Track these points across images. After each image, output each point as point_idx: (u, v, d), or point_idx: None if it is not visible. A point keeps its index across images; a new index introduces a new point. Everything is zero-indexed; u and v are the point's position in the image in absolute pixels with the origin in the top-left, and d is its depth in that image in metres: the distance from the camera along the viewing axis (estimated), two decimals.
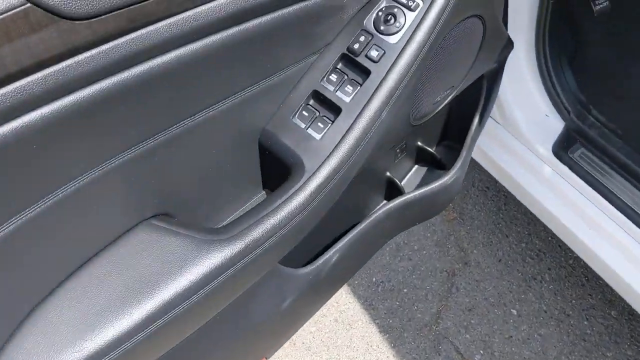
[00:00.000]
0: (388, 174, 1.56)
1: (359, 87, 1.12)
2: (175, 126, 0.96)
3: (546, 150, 1.80)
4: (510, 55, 1.60)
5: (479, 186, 2.37)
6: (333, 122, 1.12)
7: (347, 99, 1.12)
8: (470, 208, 2.30)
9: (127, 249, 0.97)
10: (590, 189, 1.69)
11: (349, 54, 1.14)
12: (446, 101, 1.40)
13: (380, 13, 1.14)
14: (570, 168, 1.74)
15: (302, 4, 1.04)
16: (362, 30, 1.14)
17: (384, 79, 1.12)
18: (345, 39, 1.15)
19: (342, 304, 2.10)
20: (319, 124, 1.12)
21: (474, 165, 2.09)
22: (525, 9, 1.61)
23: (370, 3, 1.16)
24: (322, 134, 1.11)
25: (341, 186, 1.15)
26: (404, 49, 1.12)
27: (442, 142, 1.72)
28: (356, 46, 1.14)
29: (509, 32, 1.54)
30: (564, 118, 1.80)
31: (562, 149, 1.79)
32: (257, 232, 1.01)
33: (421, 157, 1.65)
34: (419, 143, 1.62)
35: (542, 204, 1.80)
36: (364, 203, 1.56)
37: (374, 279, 2.16)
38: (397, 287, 2.13)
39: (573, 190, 1.75)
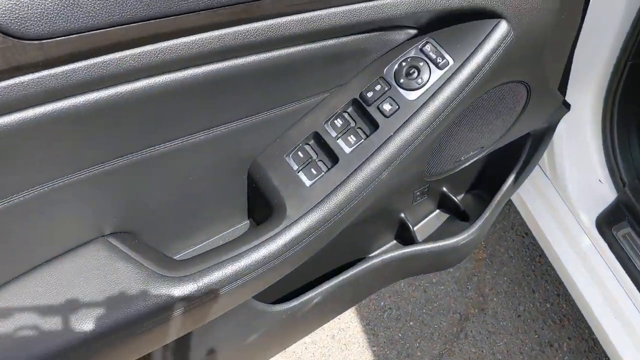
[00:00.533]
0: (402, 215, 1.46)
1: (362, 140, 1.02)
2: (147, 149, 0.90)
3: (589, 220, 1.64)
4: (573, 112, 1.44)
5: (517, 230, 2.20)
6: (327, 171, 1.03)
7: (348, 150, 1.02)
8: (502, 251, 2.16)
9: (73, 264, 0.93)
10: (625, 275, 1.52)
11: (361, 101, 1.04)
12: (473, 160, 1.26)
13: (403, 63, 1.02)
14: (610, 246, 1.57)
15: (325, 42, 0.95)
16: (380, 78, 1.03)
17: (391, 137, 1.01)
18: (361, 84, 1.04)
19: (343, 321, 2.03)
20: (312, 169, 1.03)
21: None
22: (598, 66, 1.43)
23: (395, 50, 1.04)
24: (312, 181, 1.02)
25: (325, 239, 1.06)
26: (421, 108, 1.01)
27: (472, 190, 1.59)
28: (370, 94, 1.03)
29: (573, 87, 1.37)
30: (617, 189, 1.62)
31: (607, 223, 1.61)
32: (213, 277, 0.95)
33: (443, 204, 1.53)
34: (444, 189, 1.49)
35: (571, 275, 1.65)
36: (370, 240, 1.47)
37: (382, 304, 2.07)
38: (404, 317, 2.04)
39: (607, 271, 1.58)
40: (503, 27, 1.02)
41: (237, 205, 1.14)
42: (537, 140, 1.42)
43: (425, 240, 1.48)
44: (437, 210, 1.55)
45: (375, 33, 0.99)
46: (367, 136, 1.03)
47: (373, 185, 1.04)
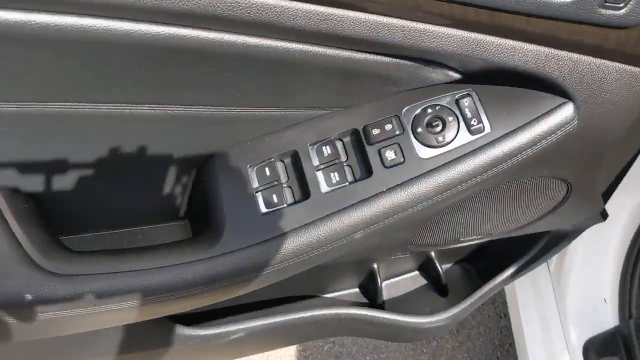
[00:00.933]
0: (374, 266, 1.23)
1: (346, 184, 0.80)
2: (88, 104, 0.70)
3: (578, 340, 1.42)
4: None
5: (498, 308, 1.98)
6: (291, 204, 0.80)
7: (325, 188, 0.80)
8: (473, 324, 1.94)
9: None
10: None
11: (362, 135, 0.81)
12: (472, 243, 1.04)
13: (429, 110, 0.79)
14: None
15: (344, 52, 0.74)
16: (394, 116, 0.81)
17: (382, 194, 0.79)
18: (369, 114, 0.82)
19: None
20: (274, 195, 0.81)
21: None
22: None
23: (425, 90, 0.81)
24: (269, 210, 0.80)
25: (262, 282, 0.85)
26: (430, 173, 0.78)
27: (462, 263, 1.36)
28: (375, 131, 0.80)
29: (614, 195, 1.14)
30: (621, 318, 1.39)
31: (596, 351, 1.40)
32: (100, 285, 0.74)
33: (425, 268, 1.31)
34: (432, 254, 1.27)
35: None
36: (329, 281, 1.25)
37: None
38: (344, 357, 1.83)
39: None
40: (568, 110, 0.78)
41: (177, 199, 0.91)
42: (555, 239, 1.18)
43: (389, 305, 1.26)
44: (416, 272, 1.33)
45: (408, 62, 0.76)
46: (354, 181, 0.81)
47: (341, 243, 0.81)
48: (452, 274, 1.35)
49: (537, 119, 0.79)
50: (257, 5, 0.64)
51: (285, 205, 0.81)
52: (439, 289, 1.31)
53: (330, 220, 0.80)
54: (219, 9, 0.63)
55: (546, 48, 0.74)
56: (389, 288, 1.32)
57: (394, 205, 0.80)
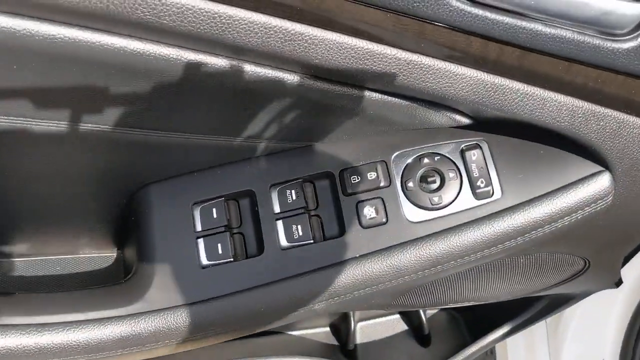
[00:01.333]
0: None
1: (310, 242, 0.62)
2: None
3: None
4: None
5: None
6: (239, 260, 0.63)
7: (283, 243, 0.63)
8: None
9: None
10: None
11: (337, 181, 0.63)
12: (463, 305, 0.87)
13: (426, 159, 0.62)
14: None
15: (323, 84, 0.55)
16: (380, 162, 0.63)
17: (352, 261, 0.61)
18: (350, 155, 0.64)
19: None
20: (220, 245, 0.64)
21: None
22: None
23: (424, 133, 0.63)
24: (210, 263, 0.63)
25: (197, 343, 0.68)
26: (416, 242, 0.61)
27: (449, 310, 1.19)
28: (355, 179, 0.63)
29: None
30: None
31: None
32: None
33: (406, 312, 1.13)
34: None
35: None
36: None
37: None
38: None
39: None
40: (603, 182, 0.60)
41: (102, 227, 0.74)
42: (558, 301, 1.01)
43: (361, 351, 1.09)
44: (396, 315, 1.16)
45: (404, 102, 0.58)
46: (322, 239, 0.63)
47: (295, 313, 0.64)
48: (437, 322, 1.18)
49: (563, 189, 0.61)
50: (196, 13, 0.46)
51: (231, 259, 0.63)
52: (420, 338, 1.14)
53: (285, 286, 0.63)
54: (144, 13, 0.45)
55: (586, 103, 0.56)
56: (364, 331, 1.16)
57: (367, 277, 0.62)
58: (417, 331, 1.13)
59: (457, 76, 0.53)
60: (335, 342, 1.13)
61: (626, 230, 0.70)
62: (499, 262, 0.70)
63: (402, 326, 1.16)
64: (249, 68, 0.52)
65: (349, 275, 0.62)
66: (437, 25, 0.48)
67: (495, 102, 0.55)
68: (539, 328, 1.32)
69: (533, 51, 0.51)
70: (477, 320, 1.12)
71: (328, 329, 1.14)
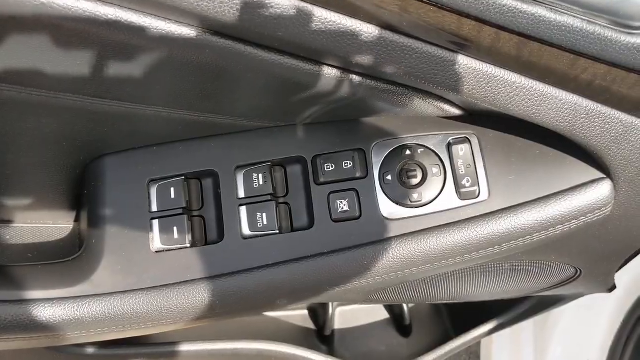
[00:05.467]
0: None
1: (275, 232, 0.56)
2: None
3: None
4: None
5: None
6: (194, 246, 0.57)
7: (246, 231, 0.57)
8: None
9: None
10: None
11: (309, 168, 0.57)
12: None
13: (407, 151, 0.55)
14: None
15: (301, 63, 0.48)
16: (358, 150, 0.56)
17: (318, 257, 0.56)
18: (326, 139, 0.58)
19: None
20: (176, 228, 0.58)
21: None
22: None
23: (408, 123, 0.56)
24: (164, 248, 0.57)
25: (140, 333, 0.63)
26: (390, 242, 0.55)
27: (436, 305, 1.14)
28: (329, 167, 0.57)
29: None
30: None
31: None
32: None
33: (389, 306, 1.09)
34: None
35: None
36: None
37: None
38: None
39: None
40: (603, 190, 0.54)
41: (64, 198, 0.68)
42: (547, 301, 0.96)
43: (339, 337, 1.04)
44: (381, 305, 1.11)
45: (385, 85, 0.51)
46: (289, 231, 0.57)
47: (255, 306, 0.59)
48: (420, 312, 1.13)
49: (557, 195, 0.54)
50: None
51: (187, 244, 0.58)
52: (401, 328, 1.09)
53: (244, 278, 0.57)
54: None
55: (592, 102, 0.49)
56: (343, 316, 1.11)
57: (334, 275, 0.57)
58: (398, 320, 1.08)
59: (444, 62, 0.46)
60: (312, 327, 1.08)
61: (624, 242, 0.64)
62: (480, 266, 0.64)
63: (384, 314, 1.11)
64: (214, 40, 0.45)
65: (314, 272, 0.57)
66: (422, 1, 0.40)
67: (487, 94, 0.48)
68: (526, 326, 1.27)
69: (533, 39, 0.44)
70: (462, 315, 1.07)
71: (306, 312, 1.09)
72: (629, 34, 0.44)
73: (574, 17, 0.43)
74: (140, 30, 0.43)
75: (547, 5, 0.42)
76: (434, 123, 0.57)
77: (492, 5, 0.41)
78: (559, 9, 0.42)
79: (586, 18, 0.43)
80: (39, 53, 0.46)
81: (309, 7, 0.43)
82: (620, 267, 0.80)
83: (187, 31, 0.44)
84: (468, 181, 0.55)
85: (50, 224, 0.71)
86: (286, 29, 0.43)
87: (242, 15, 0.42)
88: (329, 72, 0.49)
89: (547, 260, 0.65)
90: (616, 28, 0.44)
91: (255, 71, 0.48)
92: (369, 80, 0.51)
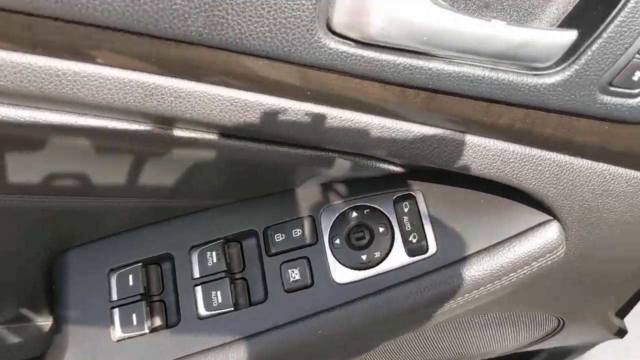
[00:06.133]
0: None
1: (230, 309, 0.56)
2: None
3: None
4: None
5: None
6: (153, 331, 0.57)
7: (201, 312, 0.58)
8: None
9: None
10: None
11: (261, 241, 0.57)
12: None
13: (354, 213, 0.56)
14: None
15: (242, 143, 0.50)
16: (308, 217, 0.57)
17: (273, 330, 0.55)
18: (275, 210, 0.58)
19: None
20: (134, 315, 0.58)
21: None
22: None
23: (354, 185, 0.56)
24: (123, 337, 0.58)
25: None
26: (344, 307, 0.54)
27: None
28: (279, 237, 0.57)
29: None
30: None
31: None
32: None
33: None
34: None
35: None
36: None
37: None
38: None
39: None
40: (551, 233, 0.53)
41: (37, 296, 0.69)
42: (555, 356, 0.91)
43: None
44: None
45: (324, 153, 0.52)
46: (247, 305, 0.57)
47: None
48: None
49: (505, 242, 0.54)
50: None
51: (146, 330, 0.58)
52: None
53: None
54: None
55: (518, 146, 0.49)
56: None
57: (290, 346, 0.56)
58: None
59: (364, 125, 0.47)
60: None
61: (596, 284, 0.62)
62: (449, 323, 0.63)
63: None
64: (157, 130, 0.47)
65: (269, 346, 0.56)
66: (321, 70, 0.42)
67: (414, 151, 0.49)
68: None
69: (439, 92, 0.44)
70: None
71: None
72: (537, 75, 0.44)
73: (476, 66, 0.43)
74: (97, 131, 0.45)
75: (446, 58, 0.43)
76: (379, 182, 0.58)
77: (386, 65, 0.42)
78: (459, 60, 0.43)
79: (489, 65, 0.44)
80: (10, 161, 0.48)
81: (263, 98, 0.44)
82: (623, 311, 0.77)
83: (143, 127, 0.46)
84: (415, 237, 0.55)
85: (30, 323, 0.72)
86: (207, 113, 0.45)
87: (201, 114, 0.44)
88: (285, 150, 0.50)
89: (518, 310, 0.64)
90: (521, 71, 0.44)
91: (215, 157, 0.50)
92: (319, 152, 0.51)
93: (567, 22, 0.45)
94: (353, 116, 0.46)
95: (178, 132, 0.48)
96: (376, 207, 0.57)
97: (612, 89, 0.45)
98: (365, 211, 0.57)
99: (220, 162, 0.52)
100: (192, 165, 0.53)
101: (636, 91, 0.45)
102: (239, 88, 0.44)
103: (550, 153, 0.50)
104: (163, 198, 0.58)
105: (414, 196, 0.56)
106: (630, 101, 0.46)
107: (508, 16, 0.46)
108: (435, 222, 0.55)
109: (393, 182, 0.58)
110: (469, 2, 0.45)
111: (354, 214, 0.57)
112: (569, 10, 0.46)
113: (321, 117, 0.47)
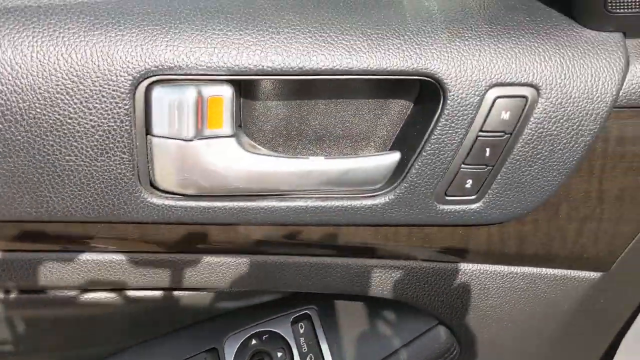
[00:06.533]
0: None
1: None
2: None
3: None
4: None
5: None
6: None
7: None
8: None
9: None
10: None
11: None
12: None
13: (253, 340, 0.58)
14: None
15: None
16: (211, 350, 0.60)
17: None
18: (180, 346, 0.60)
19: None
20: None
21: None
22: None
23: (257, 311, 0.60)
24: None
25: None
26: None
27: None
28: None
29: None
30: None
31: None
32: None
33: None
34: None
35: None
36: None
37: None
38: None
39: None
40: (442, 336, 0.54)
41: None
42: None
43: None
44: None
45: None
46: None
47: None
48: None
49: (400, 350, 0.54)
50: None
51: None
52: None
53: None
54: None
55: (384, 261, 0.51)
56: None
57: None
58: None
59: (221, 265, 0.50)
60: None
61: None
62: None
63: None
64: None
65: None
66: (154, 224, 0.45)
67: (283, 280, 0.51)
68: None
69: (288, 225, 0.47)
70: None
71: None
72: (371, 197, 0.47)
73: (308, 198, 0.46)
74: None
75: (277, 196, 0.45)
76: (279, 305, 0.59)
77: (212, 211, 0.45)
78: (292, 196, 0.46)
79: (320, 195, 0.46)
80: None
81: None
82: None
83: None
84: (311, 358, 0.56)
85: None
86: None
87: None
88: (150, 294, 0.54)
89: None
90: (356, 195, 0.46)
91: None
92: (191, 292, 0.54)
93: (395, 145, 0.48)
94: (211, 259, 0.49)
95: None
96: (275, 330, 0.58)
97: (449, 198, 0.47)
98: (264, 337, 0.58)
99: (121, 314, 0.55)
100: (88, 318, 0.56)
101: (473, 197, 0.47)
102: (100, 251, 0.47)
103: (417, 262, 0.51)
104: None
105: (310, 315, 0.57)
106: (472, 206, 0.47)
107: (342, 145, 0.49)
108: (331, 340, 0.56)
109: (291, 302, 0.59)
110: (302, 137, 0.48)
111: (254, 341, 0.58)
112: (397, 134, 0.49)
113: (196, 264, 0.50)
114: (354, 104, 0.47)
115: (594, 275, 0.56)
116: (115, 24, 0.40)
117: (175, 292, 0.53)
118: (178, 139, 0.41)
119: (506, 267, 0.53)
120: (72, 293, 0.52)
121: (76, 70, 0.39)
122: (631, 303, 0.58)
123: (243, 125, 0.46)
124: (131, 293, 0.53)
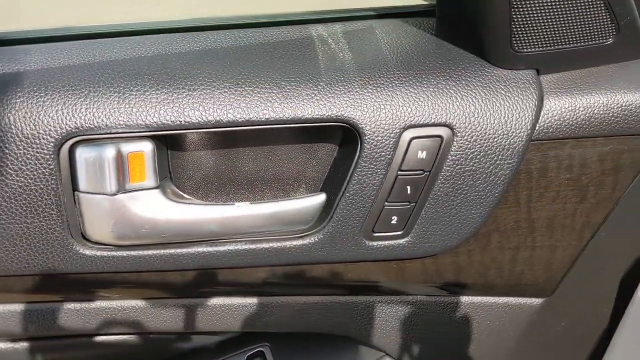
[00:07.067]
0: None
1: None
2: None
3: None
4: None
5: None
6: None
7: None
8: None
9: None
10: None
11: None
12: None
13: None
14: None
15: None
16: None
17: None
18: None
19: None
20: None
21: None
22: None
23: (215, 347, 0.60)
24: None
25: None
26: None
27: None
28: None
29: None
30: None
31: None
32: None
33: None
34: None
35: None
36: None
37: None
38: None
39: None
40: None
41: None
42: None
43: None
44: None
45: None
46: None
47: None
48: None
49: None
50: None
51: None
52: None
53: None
54: None
55: (325, 298, 0.53)
56: None
57: None
58: None
59: (170, 306, 0.52)
60: None
61: None
62: None
63: None
64: None
65: None
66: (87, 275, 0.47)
67: (232, 321, 0.53)
68: None
69: (220, 269, 0.49)
70: None
71: None
72: (301, 237, 0.48)
73: (238, 241, 0.48)
74: None
75: (208, 242, 0.48)
76: (232, 342, 0.61)
77: (153, 259, 0.47)
78: (222, 240, 0.48)
79: (250, 239, 0.48)
80: None
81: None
82: None
83: None
84: None
85: None
86: None
87: None
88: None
89: None
90: (286, 236, 0.48)
91: None
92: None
93: (324, 186, 0.50)
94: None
95: None
96: None
97: (377, 234, 0.48)
98: None
99: None
100: None
101: (400, 232, 0.49)
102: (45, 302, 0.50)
103: (357, 297, 0.53)
104: None
105: (263, 352, 0.59)
106: (401, 241, 0.49)
107: (274, 189, 0.51)
108: None
109: (246, 339, 0.61)
110: (234, 183, 0.50)
111: None
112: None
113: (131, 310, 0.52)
114: (283, 149, 0.49)
115: (536, 301, 0.57)
116: (37, 91, 0.42)
117: (126, 337, 0.55)
118: (102, 194, 0.44)
119: (446, 298, 0.54)
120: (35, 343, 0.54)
121: (0, 136, 0.41)
122: (577, 327, 0.59)
123: (173, 176, 0.48)
124: (77, 340, 0.55)
